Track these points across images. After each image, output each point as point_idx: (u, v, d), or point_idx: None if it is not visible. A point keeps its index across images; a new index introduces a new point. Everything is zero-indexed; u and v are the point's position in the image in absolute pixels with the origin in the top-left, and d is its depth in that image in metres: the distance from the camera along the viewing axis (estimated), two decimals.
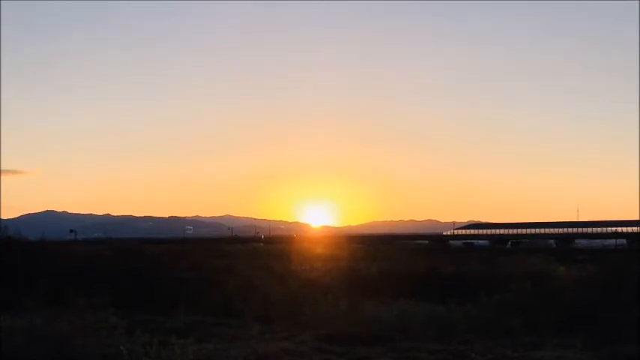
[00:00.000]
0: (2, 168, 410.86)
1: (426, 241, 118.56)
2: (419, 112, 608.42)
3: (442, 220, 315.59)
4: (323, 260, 33.25)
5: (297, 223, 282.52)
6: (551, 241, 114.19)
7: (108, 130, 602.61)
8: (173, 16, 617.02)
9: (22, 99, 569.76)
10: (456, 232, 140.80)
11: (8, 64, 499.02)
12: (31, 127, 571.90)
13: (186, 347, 10.22)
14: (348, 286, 19.10)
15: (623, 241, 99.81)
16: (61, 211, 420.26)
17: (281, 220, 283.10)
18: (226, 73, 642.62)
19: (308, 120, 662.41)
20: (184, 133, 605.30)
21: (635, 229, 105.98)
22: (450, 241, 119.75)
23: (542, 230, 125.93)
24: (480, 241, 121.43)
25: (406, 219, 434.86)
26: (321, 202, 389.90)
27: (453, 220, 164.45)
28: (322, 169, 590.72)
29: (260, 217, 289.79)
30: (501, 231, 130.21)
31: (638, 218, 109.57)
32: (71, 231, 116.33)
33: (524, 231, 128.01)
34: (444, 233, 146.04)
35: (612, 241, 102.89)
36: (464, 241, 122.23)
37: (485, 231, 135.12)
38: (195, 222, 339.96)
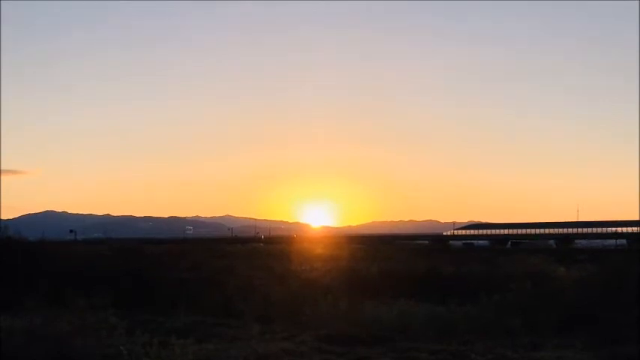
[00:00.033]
0: (2, 168, 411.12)
1: (426, 242, 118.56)
2: (419, 112, 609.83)
3: (442, 221, 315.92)
4: (323, 260, 33.24)
5: (297, 223, 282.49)
6: (551, 242, 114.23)
7: (108, 130, 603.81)
8: (173, 16, 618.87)
9: (22, 99, 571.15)
10: (456, 232, 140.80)
11: (8, 64, 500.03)
12: (31, 127, 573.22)
13: (186, 347, 10.22)
14: (348, 287, 19.10)
15: (623, 241, 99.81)
16: (60, 211, 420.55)
17: (281, 221, 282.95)
18: (226, 73, 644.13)
19: (308, 120, 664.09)
20: (184, 133, 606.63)
21: (635, 229, 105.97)
22: (450, 242, 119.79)
23: (542, 230, 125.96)
24: (480, 242, 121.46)
25: (406, 219, 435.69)
26: (321, 203, 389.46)
27: (453, 220, 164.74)
28: (322, 169, 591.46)
29: (260, 218, 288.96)
30: (501, 231, 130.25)
31: (638, 218, 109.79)
32: (71, 231, 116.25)
33: (524, 231, 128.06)
34: (444, 233, 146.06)
35: (612, 242, 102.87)
36: (464, 241, 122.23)
37: (485, 231, 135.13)
38: (195, 222, 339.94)
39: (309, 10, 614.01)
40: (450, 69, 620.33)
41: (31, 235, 38.82)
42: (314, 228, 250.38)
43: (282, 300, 17.73)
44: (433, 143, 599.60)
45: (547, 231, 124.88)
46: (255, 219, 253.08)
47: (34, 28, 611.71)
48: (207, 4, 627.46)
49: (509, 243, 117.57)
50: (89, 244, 60.11)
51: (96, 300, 11.80)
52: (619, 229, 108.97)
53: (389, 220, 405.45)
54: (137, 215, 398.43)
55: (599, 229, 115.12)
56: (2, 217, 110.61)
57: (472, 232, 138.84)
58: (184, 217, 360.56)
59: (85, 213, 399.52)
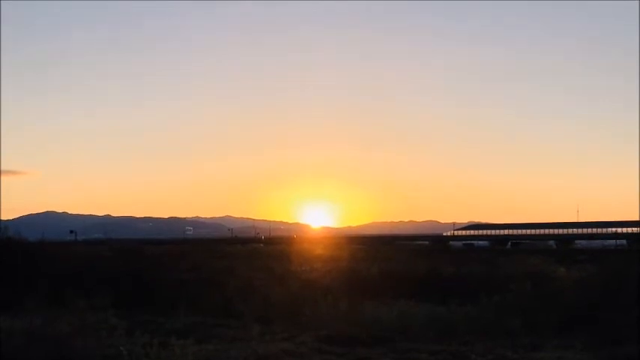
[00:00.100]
0: (2, 168, 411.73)
1: (426, 242, 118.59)
2: (419, 113, 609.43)
3: (442, 221, 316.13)
4: (323, 261, 33.28)
5: (297, 223, 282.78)
6: (551, 242, 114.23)
7: (108, 130, 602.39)
8: (173, 16, 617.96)
9: (22, 99, 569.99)
10: (456, 232, 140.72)
11: (8, 64, 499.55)
12: (31, 127, 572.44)
13: (186, 348, 10.23)
14: (348, 287, 19.10)
15: (623, 241, 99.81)
16: (61, 211, 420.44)
17: (281, 221, 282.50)
18: (226, 73, 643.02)
19: (308, 120, 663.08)
20: (184, 133, 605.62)
21: (635, 229, 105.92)
22: (450, 242, 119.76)
23: (542, 231, 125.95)
24: (480, 242, 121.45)
25: (406, 220, 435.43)
26: (321, 203, 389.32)
27: (453, 220, 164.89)
28: (322, 170, 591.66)
29: (260, 218, 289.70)
30: (501, 232, 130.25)
31: (638, 219, 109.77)
32: (71, 232, 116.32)
33: (524, 232, 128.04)
34: (444, 234, 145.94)
35: (612, 242, 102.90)
36: (464, 242, 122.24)
37: (485, 232, 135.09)
38: (195, 223, 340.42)
39: (309, 10, 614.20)
40: (450, 69, 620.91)
41: (31, 235, 38.73)
42: (314, 228, 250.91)
43: (282, 301, 17.73)
44: (433, 143, 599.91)
45: (547, 231, 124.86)
46: (255, 219, 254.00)
47: (34, 28, 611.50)
48: (207, 4, 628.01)
49: (509, 243, 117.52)
50: (89, 245, 60.26)
51: (96, 301, 11.84)
52: (619, 230, 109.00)
53: (389, 220, 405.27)
54: (137, 216, 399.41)
55: (599, 230, 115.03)
56: (2, 218, 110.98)
57: (472, 232, 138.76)
58: (184, 218, 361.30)
59: (85, 213, 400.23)
